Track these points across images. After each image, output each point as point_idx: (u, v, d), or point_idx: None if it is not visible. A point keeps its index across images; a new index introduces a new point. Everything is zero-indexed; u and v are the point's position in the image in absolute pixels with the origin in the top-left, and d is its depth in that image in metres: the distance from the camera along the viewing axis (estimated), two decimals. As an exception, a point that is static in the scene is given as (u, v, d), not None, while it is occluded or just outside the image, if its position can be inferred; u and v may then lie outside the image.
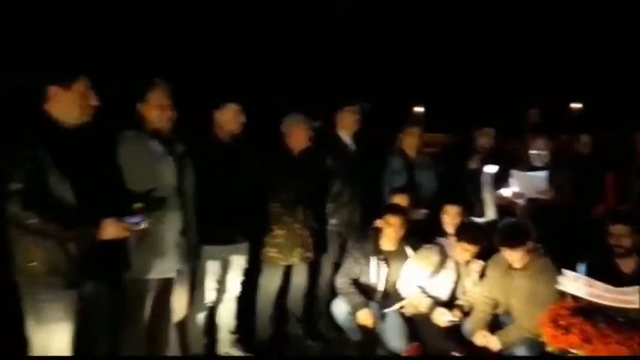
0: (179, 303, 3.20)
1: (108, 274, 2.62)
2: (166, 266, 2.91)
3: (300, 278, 4.01)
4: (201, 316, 3.52)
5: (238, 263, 3.59)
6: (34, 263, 2.34)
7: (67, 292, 2.42)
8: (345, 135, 4.19)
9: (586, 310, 2.91)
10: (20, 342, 2.49)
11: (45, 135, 2.36)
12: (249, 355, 3.66)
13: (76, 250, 2.41)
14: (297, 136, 3.80)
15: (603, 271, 3.14)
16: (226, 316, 3.66)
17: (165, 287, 3.00)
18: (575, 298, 3.00)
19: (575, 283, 3.01)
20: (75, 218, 2.36)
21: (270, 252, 3.79)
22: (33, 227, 2.28)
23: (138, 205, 2.54)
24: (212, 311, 3.62)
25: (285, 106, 3.97)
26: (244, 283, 3.71)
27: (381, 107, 4.74)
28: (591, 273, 3.11)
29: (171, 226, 2.91)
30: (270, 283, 3.88)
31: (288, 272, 3.95)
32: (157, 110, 2.89)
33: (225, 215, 3.35)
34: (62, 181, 2.35)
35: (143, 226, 2.54)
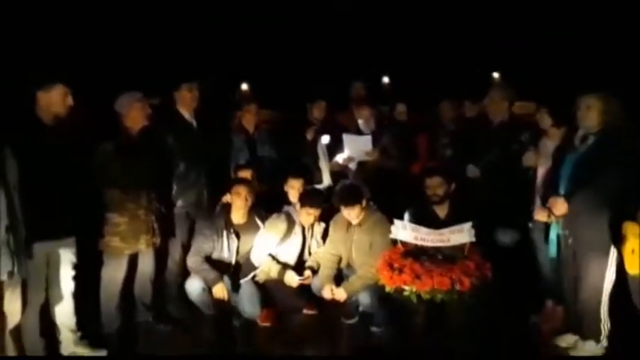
0: (13, 307, 2.89)
1: None
2: (-7, 268, 2.61)
3: (147, 264, 3.87)
4: (35, 318, 3.23)
5: (67, 258, 3.32)
6: None
7: None
8: (186, 113, 4.11)
9: (413, 252, 3.39)
10: None
11: None
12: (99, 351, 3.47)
13: None
14: (135, 115, 3.62)
15: (424, 218, 3.67)
16: (63, 314, 3.39)
17: (-5, 291, 2.69)
18: (404, 243, 3.46)
19: (403, 230, 3.47)
20: None
21: (113, 241, 3.60)
22: None
23: None
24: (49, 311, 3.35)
25: (119, 85, 3.74)
26: (83, 277, 3.48)
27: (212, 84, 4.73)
28: (415, 220, 3.61)
29: (-5, 223, 2.61)
30: (114, 273, 3.69)
31: (132, 259, 3.79)
32: None
33: (49, 208, 3.09)
34: None
35: None
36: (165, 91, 4.07)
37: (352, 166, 4.67)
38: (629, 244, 2.76)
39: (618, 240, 2.92)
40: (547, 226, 3.57)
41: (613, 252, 3.09)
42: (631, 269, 2.83)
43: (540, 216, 3.68)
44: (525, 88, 4.55)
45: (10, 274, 2.70)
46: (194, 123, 4.16)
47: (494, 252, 3.57)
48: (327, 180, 4.81)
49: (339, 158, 4.65)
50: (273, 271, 3.91)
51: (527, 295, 3.87)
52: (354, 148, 4.60)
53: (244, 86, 6.57)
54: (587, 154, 3.18)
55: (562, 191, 3.26)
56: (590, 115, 3.20)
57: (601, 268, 3.14)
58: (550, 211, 3.34)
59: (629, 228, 2.77)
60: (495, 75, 6.91)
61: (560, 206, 3.23)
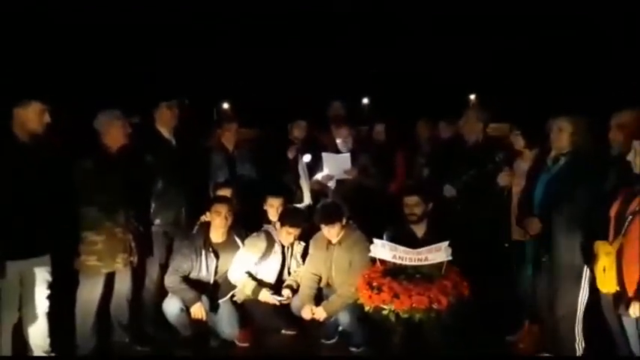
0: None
1: None
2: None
3: (123, 284, 3.81)
4: (8, 339, 3.20)
5: (42, 277, 3.29)
6: None
7: None
8: (165, 131, 4.11)
9: (392, 271, 3.42)
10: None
11: None
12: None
13: None
14: (114, 133, 3.61)
15: (402, 237, 3.71)
16: (37, 335, 3.35)
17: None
18: (382, 262, 3.49)
19: (382, 249, 3.50)
20: None
21: (89, 260, 3.54)
22: None
23: None
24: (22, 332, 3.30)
25: (100, 103, 3.73)
26: (58, 297, 3.42)
27: (193, 103, 4.77)
28: (393, 239, 3.64)
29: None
30: (90, 293, 3.62)
31: (109, 278, 3.73)
32: None
33: (23, 225, 3.07)
34: None
35: None
36: (144, 110, 4.06)
37: (332, 184, 4.72)
38: (601, 263, 2.83)
39: (590, 259, 3.00)
40: (523, 246, 3.65)
41: (586, 271, 3.17)
42: (603, 287, 2.90)
43: (516, 235, 3.78)
44: (499, 110, 4.68)
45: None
46: (173, 141, 4.16)
47: (472, 271, 3.62)
48: (307, 199, 4.83)
49: (319, 176, 4.69)
50: (248, 288, 3.88)
51: (504, 315, 3.92)
52: (334, 167, 4.65)
53: (225, 105, 6.63)
54: (559, 175, 3.29)
55: (536, 211, 3.35)
56: (562, 136, 3.32)
57: (575, 287, 3.22)
58: (525, 231, 3.42)
59: (600, 247, 2.86)
60: (472, 97, 7.11)
61: (534, 225, 3.32)
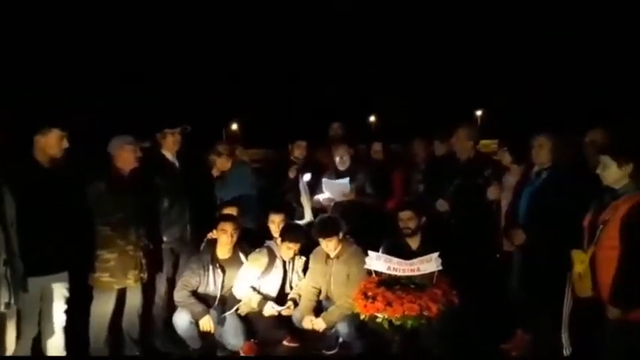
0: (8, 337, 3.06)
1: None
2: (-7, 300, 2.79)
3: (134, 299, 4.02)
4: (28, 350, 3.37)
5: (60, 293, 3.50)
6: None
7: None
8: (169, 155, 4.35)
9: (387, 282, 3.62)
10: None
11: None
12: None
13: None
14: (126, 157, 3.86)
15: (397, 249, 3.91)
16: (54, 348, 3.53)
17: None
18: (378, 273, 3.69)
19: (377, 261, 3.71)
20: None
21: (102, 277, 3.77)
22: None
23: None
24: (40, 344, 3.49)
25: (111, 128, 4.00)
26: (74, 311, 3.63)
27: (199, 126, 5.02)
28: (388, 251, 3.85)
29: (-6, 257, 2.81)
30: (103, 307, 3.84)
31: (121, 294, 3.94)
32: None
33: (44, 244, 3.27)
34: None
35: None
36: (152, 135, 4.33)
37: (331, 204, 4.93)
38: (576, 270, 3.02)
39: (569, 267, 3.18)
40: (511, 256, 3.84)
41: (569, 278, 3.34)
42: (579, 293, 3.08)
43: (506, 246, 3.98)
44: (489, 127, 4.91)
45: (7, 305, 2.87)
46: (176, 164, 4.39)
47: (464, 280, 3.79)
48: (308, 216, 5.04)
49: (319, 198, 4.92)
50: (254, 301, 4.08)
51: (497, 323, 4.07)
52: (332, 192, 4.86)
53: (234, 125, 6.87)
54: (540, 188, 3.52)
55: (521, 222, 3.55)
56: (542, 152, 3.57)
57: (559, 295, 3.38)
58: (511, 241, 3.62)
59: (576, 255, 3.05)
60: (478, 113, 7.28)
61: (518, 236, 3.52)
